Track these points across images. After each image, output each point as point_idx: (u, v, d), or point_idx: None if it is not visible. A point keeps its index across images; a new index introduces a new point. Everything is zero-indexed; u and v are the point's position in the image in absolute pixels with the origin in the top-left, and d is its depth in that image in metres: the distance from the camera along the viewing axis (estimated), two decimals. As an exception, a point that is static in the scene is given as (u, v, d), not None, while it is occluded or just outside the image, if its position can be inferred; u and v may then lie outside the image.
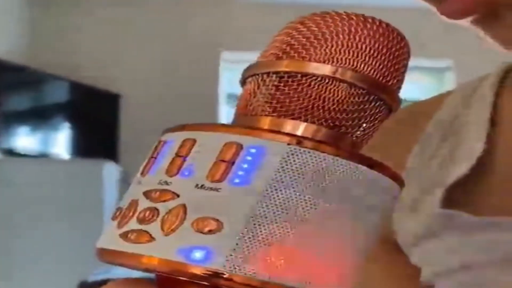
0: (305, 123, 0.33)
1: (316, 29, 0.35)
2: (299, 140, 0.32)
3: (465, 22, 0.54)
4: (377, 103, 0.34)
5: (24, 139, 4.07)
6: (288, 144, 0.32)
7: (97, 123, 4.39)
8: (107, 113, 4.37)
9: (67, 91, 4.31)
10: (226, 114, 4.63)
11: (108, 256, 0.34)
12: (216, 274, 0.30)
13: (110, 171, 3.93)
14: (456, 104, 0.65)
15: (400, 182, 0.34)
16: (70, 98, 4.36)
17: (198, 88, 4.42)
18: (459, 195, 0.58)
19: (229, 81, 4.58)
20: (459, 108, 0.64)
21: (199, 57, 4.42)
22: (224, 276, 0.30)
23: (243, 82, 0.37)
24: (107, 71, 4.36)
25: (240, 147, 0.32)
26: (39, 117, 4.18)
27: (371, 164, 0.33)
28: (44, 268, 3.59)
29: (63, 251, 3.60)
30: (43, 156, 4.07)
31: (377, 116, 0.35)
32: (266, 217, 0.31)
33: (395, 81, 0.35)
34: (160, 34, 4.44)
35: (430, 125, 0.65)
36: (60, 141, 4.26)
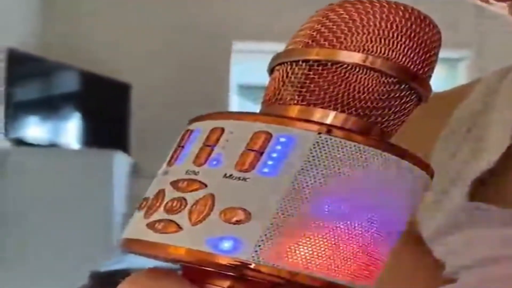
0: (335, 112, 0.33)
1: (347, 16, 0.34)
2: (329, 129, 0.31)
3: (499, 8, 0.52)
4: (408, 92, 0.34)
5: (34, 129, 4.07)
6: (319, 133, 0.31)
7: (107, 113, 4.38)
8: (117, 103, 4.36)
9: (78, 80, 4.31)
10: (237, 104, 4.62)
11: (134, 246, 0.33)
12: (244, 265, 0.30)
13: (120, 161, 3.93)
14: (482, 96, 0.64)
15: (431, 172, 0.34)
16: (80, 87, 4.35)
17: (210, 79, 4.40)
18: (485, 188, 0.57)
19: (241, 72, 4.57)
20: (485, 99, 0.63)
21: (210, 47, 4.40)
22: (252, 266, 0.30)
23: (271, 71, 0.36)
24: (117, 61, 4.35)
25: (269, 136, 0.31)
26: (49, 106, 4.18)
27: (402, 154, 0.32)
28: (54, 258, 3.59)
29: (73, 241, 3.61)
30: (53, 146, 4.07)
31: (407, 106, 0.34)
32: (295, 208, 0.30)
33: (426, 69, 0.34)
34: (172, 24, 4.42)
35: (455, 116, 0.64)
36: (70, 131, 4.26)
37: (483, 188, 0.57)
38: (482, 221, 0.56)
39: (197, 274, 0.32)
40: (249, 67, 4.59)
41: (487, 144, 0.60)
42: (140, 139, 4.35)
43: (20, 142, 3.89)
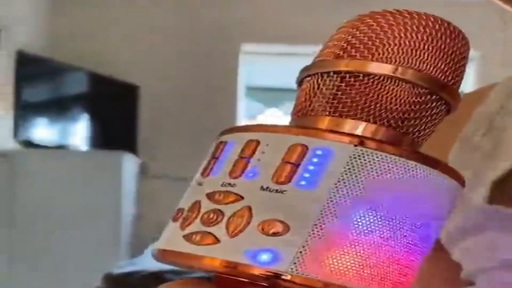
0: (365, 123, 0.33)
1: (378, 28, 0.34)
2: (362, 141, 0.31)
3: None
4: (438, 103, 0.34)
5: (43, 131, 4.07)
6: (355, 145, 0.31)
7: (116, 115, 4.39)
8: (126, 105, 4.37)
9: (86, 82, 4.32)
10: (245, 106, 4.62)
11: (170, 257, 0.33)
12: (278, 275, 0.30)
13: (128, 162, 3.93)
14: (500, 99, 0.63)
15: (462, 182, 0.34)
16: (89, 89, 4.36)
17: (218, 81, 4.40)
18: (504, 190, 0.57)
19: (249, 74, 4.56)
20: (503, 101, 0.63)
21: (219, 49, 4.40)
22: (287, 277, 0.30)
23: (300, 82, 0.36)
24: (126, 63, 4.35)
25: (305, 148, 0.32)
26: (57, 108, 4.18)
27: (435, 164, 0.32)
28: (63, 260, 3.60)
29: (82, 242, 3.61)
30: (61, 147, 4.08)
31: (437, 116, 0.34)
32: (332, 220, 0.30)
33: (456, 80, 0.34)
34: (180, 25, 4.43)
35: (473, 118, 0.63)
36: (79, 132, 4.26)
37: (501, 191, 0.57)
38: (502, 224, 0.56)
39: (230, 284, 0.32)
40: (257, 69, 4.59)
41: (506, 146, 0.59)
42: (148, 140, 4.35)
43: (28, 144, 3.90)
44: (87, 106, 4.32)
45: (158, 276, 2.61)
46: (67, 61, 4.10)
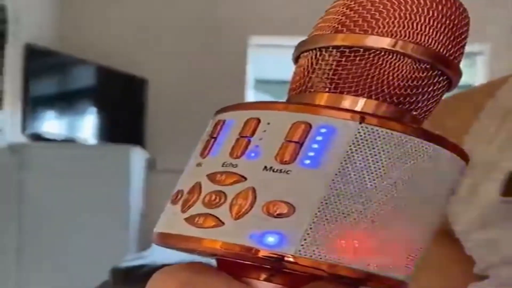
0: (365, 99, 0.32)
1: (377, 0, 0.33)
2: (366, 117, 0.30)
3: None
4: (440, 78, 0.33)
5: (51, 124, 4.07)
6: (360, 122, 0.30)
7: (124, 108, 4.38)
8: (134, 98, 4.36)
9: (95, 75, 4.31)
10: (254, 99, 4.60)
11: (171, 240, 0.32)
12: (283, 257, 0.29)
13: (136, 156, 3.93)
14: None
15: (466, 159, 0.33)
16: (97, 82, 4.35)
17: (226, 73, 4.39)
18: None
19: (257, 66, 4.55)
20: None
21: (227, 41, 4.39)
22: (291, 259, 0.29)
23: (296, 58, 0.35)
24: (134, 56, 4.34)
25: (308, 126, 0.31)
26: (66, 101, 4.18)
27: (438, 140, 0.31)
28: (71, 254, 3.60)
29: (90, 237, 3.61)
30: (69, 141, 4.08)
31: (439, 92, 0.34)
32: (338, 200, 0.30)
33: (457, 54, 0.33)
34: (188, 18, 4.41)
35: (488, 107, 0.62)
36: (87, 126, 4.26)
37: None
38: None
39: (233, 267, 0.32)
40: (266, 62, 4.58)
41: None
42: (156, 133, 4.34)
43: (37, 137, 3.90)
44: (95, 100, 4.32)
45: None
46: (76, 55, 4.10)
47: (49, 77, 4.11)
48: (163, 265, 0.33)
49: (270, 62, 4.59)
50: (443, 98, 0.35)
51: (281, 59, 4.66)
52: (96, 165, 3.71)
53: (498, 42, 4.11)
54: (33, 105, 3.88)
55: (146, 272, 2.70)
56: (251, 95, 4.56)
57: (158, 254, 2.73)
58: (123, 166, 3.78)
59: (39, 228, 3.61)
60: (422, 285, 0.61)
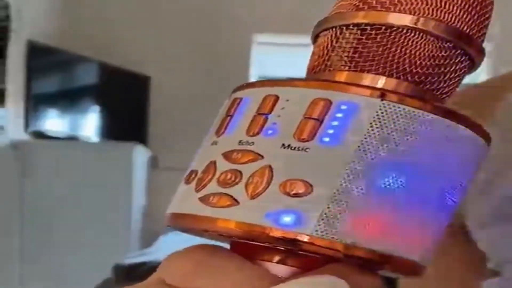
0: (385, 77, 0.31)
1: None
2: (387, 94, 0.30)
3: None
4: (462, 58, 0.32)
5: (54, 122, 4.07)
6: (381, 99, 0.29)
7: (126, 106, 4.38)
8: (137, 96, 4.36)
9: (97, 73, 4.31)
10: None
11: (184, 221, 0.31)
12: (299, 238, 0.28)
13: (139, 154, 3.92)
14: None
15: (488, 140, 0.32)
16: (100, 80, 4.35)
17: (230, 71, 4.38)
18: None
19: (261, 64, 4.54)
20: None
21: (231, 40, 4.39)
22: (306, 240, 0.28)
23: (315, 37, 0.34)
24: (137, 53, 4.34)
25: (328, 103, 0.30)
26: (68, 99, 4.18)
27: (460, 119, 0.31)
28: (74, 251, 3.60)
29: (93, 235, 3.61)
30: (72, 139, 4.07)
31: (460, 72, 0.33)
32: (358, 178, 0.29)
33: (480, 33, 0.33)
34: (192, 15, 4.41)
35: (505, 102, 0.61)
36: (90, 123, 4.26)
37: None
38: None
39: (247, 249, 0.31)
40: (270, 60, 4.57)
41: None
42: (159, 132, 4.34)
43: (39, 135, 3.89)
44: (98, 97, 4.31)
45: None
46: (78, 52, 4.09)
47: (51, 75, 4.10)
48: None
49: (274, 60, 4.58)
50: (460, 88, 0.34)
51: (286, 57, 4.65)
52: (99, 163, 3.71)
53: (503, 40, 4.09)
54: (35, 102, 3.88)
55: (148, 269, 2.69)
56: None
57: (160, 252, 2.73)
58: (125, 164, 3.78)
59: (42, 226, 3.61)
60: (441, 274, 0.60)
